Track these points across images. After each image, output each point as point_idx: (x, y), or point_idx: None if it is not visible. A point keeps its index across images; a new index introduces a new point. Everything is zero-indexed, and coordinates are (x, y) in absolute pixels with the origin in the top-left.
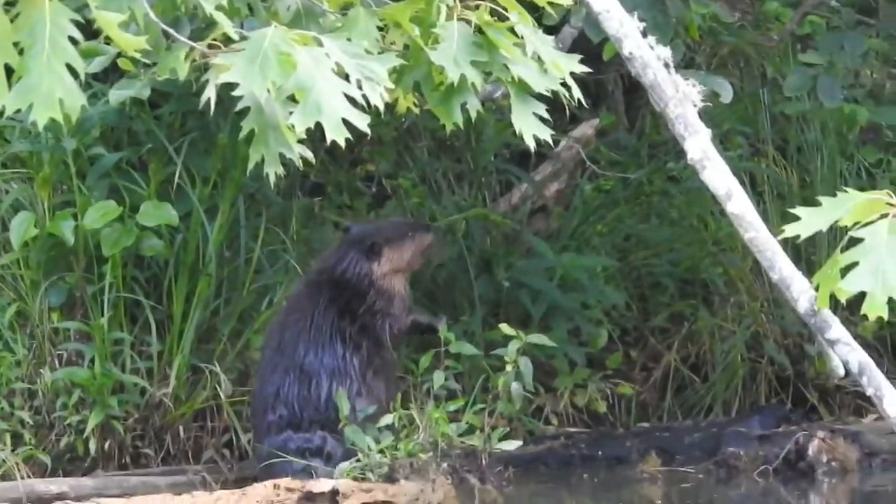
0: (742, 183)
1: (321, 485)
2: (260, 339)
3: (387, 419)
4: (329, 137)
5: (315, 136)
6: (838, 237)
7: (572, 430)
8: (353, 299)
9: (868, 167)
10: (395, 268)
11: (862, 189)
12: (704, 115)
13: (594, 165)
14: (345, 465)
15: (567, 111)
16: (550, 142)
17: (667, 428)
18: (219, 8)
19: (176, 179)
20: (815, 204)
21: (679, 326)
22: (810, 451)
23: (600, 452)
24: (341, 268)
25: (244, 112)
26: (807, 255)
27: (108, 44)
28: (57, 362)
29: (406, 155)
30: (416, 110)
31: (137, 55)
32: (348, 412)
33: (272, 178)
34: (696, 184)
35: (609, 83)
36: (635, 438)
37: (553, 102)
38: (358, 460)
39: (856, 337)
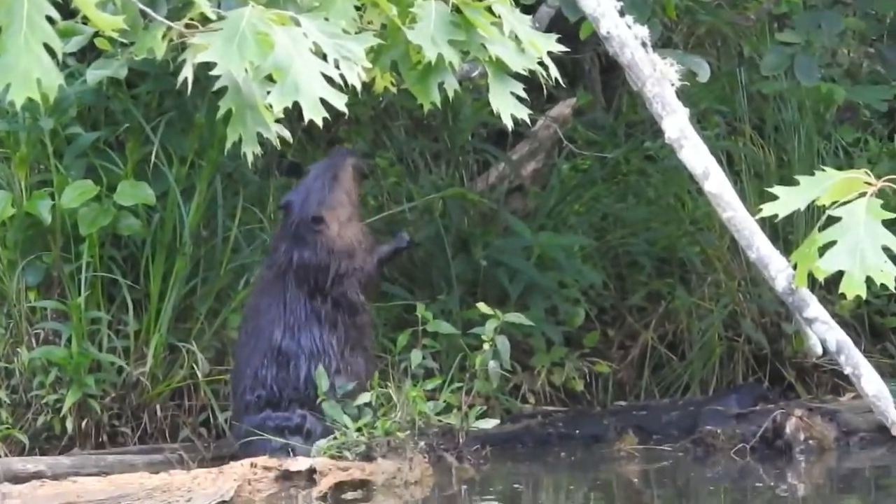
0: (719, 162)
1: (298, 463)
2: (237, 318)
3: (364, 397)
4: (307, 117)
5: (292, 115)
6: (815, 216)
7: (549, 408)
8: (318, 277)
9: (845, 146)
10: (343, 219)
11: (839, 168)
12: (682, 94)
13: (571, 145)
14: (322, 442)
15: (544, 90)
16: (528, 121)
17: (644, 406)
18: None
19: (153, 159)
20: (793, 183)
21: (656, 305)
22: (788, 430)
23: (577, 431)
24: (299, 258)
25: (222, 91)
26: (784, 234)
27: (85, 23)
28: (34, 341)
29: (383, 134)
30: (394, 90)
31: (115, 35)
32: (327, 389)
33: (250, 158)
34: (673, 163)
35: (586, 62)
36: (612, 417)
37: (530, 82)
38: (335, 438)
39: (833, 316)
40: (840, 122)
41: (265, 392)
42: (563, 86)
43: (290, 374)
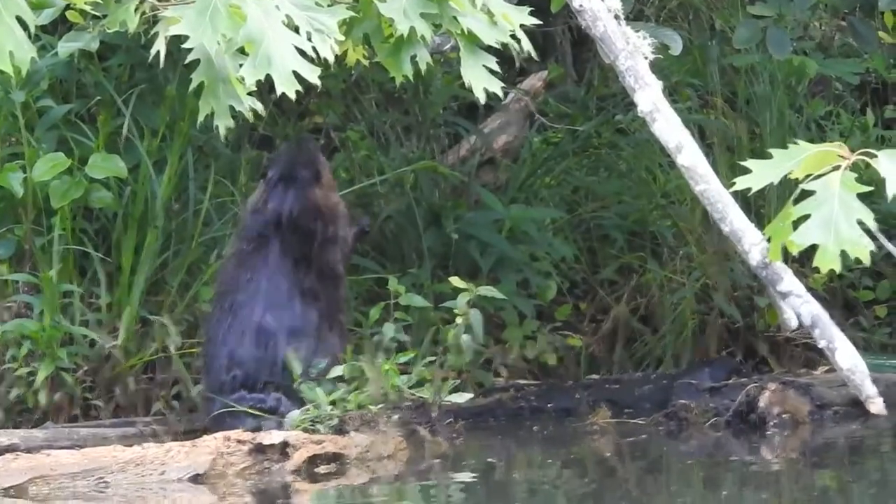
0: (691, 135)
1: (272, 437)
2: (209, 291)
3: (337, 371)
4: (279, 90)
5: (263, 88)
6: (788, 190)
7: (522, 382)
8: (304, 242)
9: (817, 120)
10: (327, 185)
11: (811, 141)
12: (654, 67)
13: (543, 118)
14: (295, 413)
15: (516, 63)
16: (500, 94)
17: (616, 380)
18: None
19: (124, 132)
20: (765, 156)
21: (628, 279)
22: (761, 404)
23: (550, 405)
24: (288, 215)
25: (194, 65)
26: (756, 207)
27: None
28: (6, 315)
29: (354, 107)
30: (366, 63)
31: (87, 7)
32: (301, 371)
33: (222, 131)
34: (644, 136)
35: (557, 35)
36: (585, 391)
37: (501, 55)
38: (308, 411)
39: (807, 290)
40: (812, 95)
41: (241, 373)
42: (535, 59)
43: (267, 354)
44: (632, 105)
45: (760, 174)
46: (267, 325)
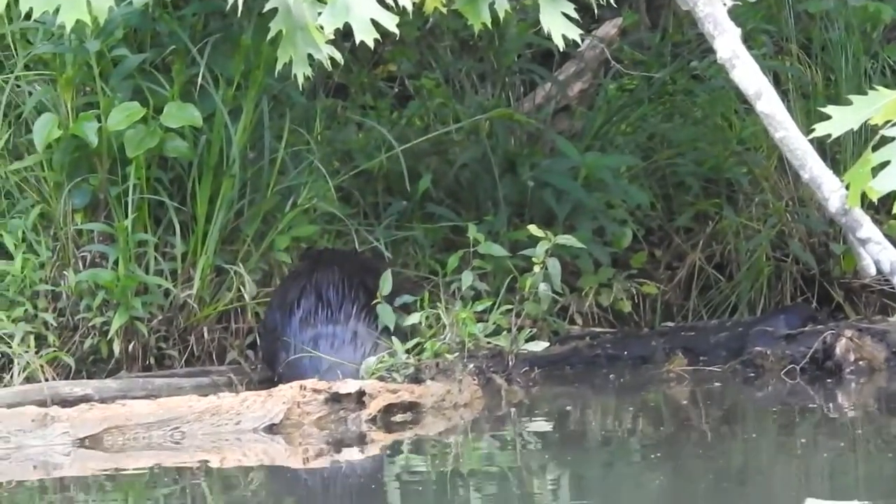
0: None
1: (347, 386)
2: (284, 240)
3: (414, 318)
4: (358, 38)
5: (338, 35)
6: (864, 137)
7: (597, 329)
8: None
9: (892, 65)
10: None
11: (887, 87)
12: (729, 14)
13: (618, 65)
14: (371, 359)
15: (595, 10)
16: (578, 41)
17: (692, 328)
18: None
19: (199, 80)
20: (841, 103)
21: (703, 226)
22: (837, 351)
23: (626, 352)
24: None
25: (269, 14)
26: (832, 153)
27: None
28: (81, 264)
29: (428, 55)
30: (443, 9)
31: None
32: (387, 293)
33: (300, 79)
34: (719, 83)
35: None
36: (660, 338)
37: (576, 1)
38: (383, 359)
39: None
40: (887, 41)
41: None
42: (612, 4)
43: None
44: (706, 52)
45: (840, 120)
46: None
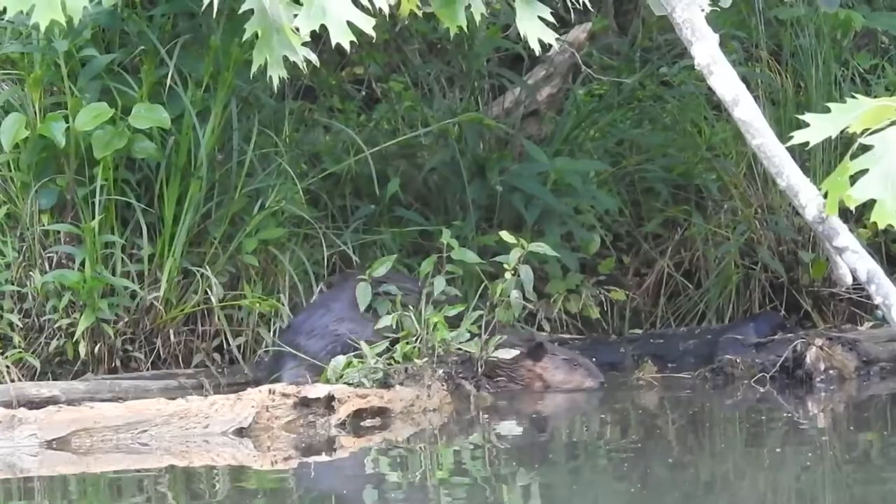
0: None
1: (317, 390)
2: (252, 243)
3: (385, 320)
4: (334, 40)
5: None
6: (834, 146)
7: (566, 336)
8: None
9: (862, 73)
10: None
11: (857, 94)
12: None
13: (588, 70)
14: (341, 358)
15: (571, 14)
16: (555, 45)
17: (661, 335)
18: None
19: (168, 82)
20: (811, 110)
21: (672, 232)
22: (808, 359)
23: (594, 359)
24: None
25: (240, 16)
26: (800, 161)
27: None
28: (47, 265)
29: (397, 58)
30: (419, 13)
31: None
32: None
33: (275, 81)
34: (689, 89)
35: None
36: (629, 345)
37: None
38: (351, 363)
39: None
40: (857, 48)
41: None
42: (580, 8)
43: None
44: (676, 57)
45: (818, 128)
46: None
